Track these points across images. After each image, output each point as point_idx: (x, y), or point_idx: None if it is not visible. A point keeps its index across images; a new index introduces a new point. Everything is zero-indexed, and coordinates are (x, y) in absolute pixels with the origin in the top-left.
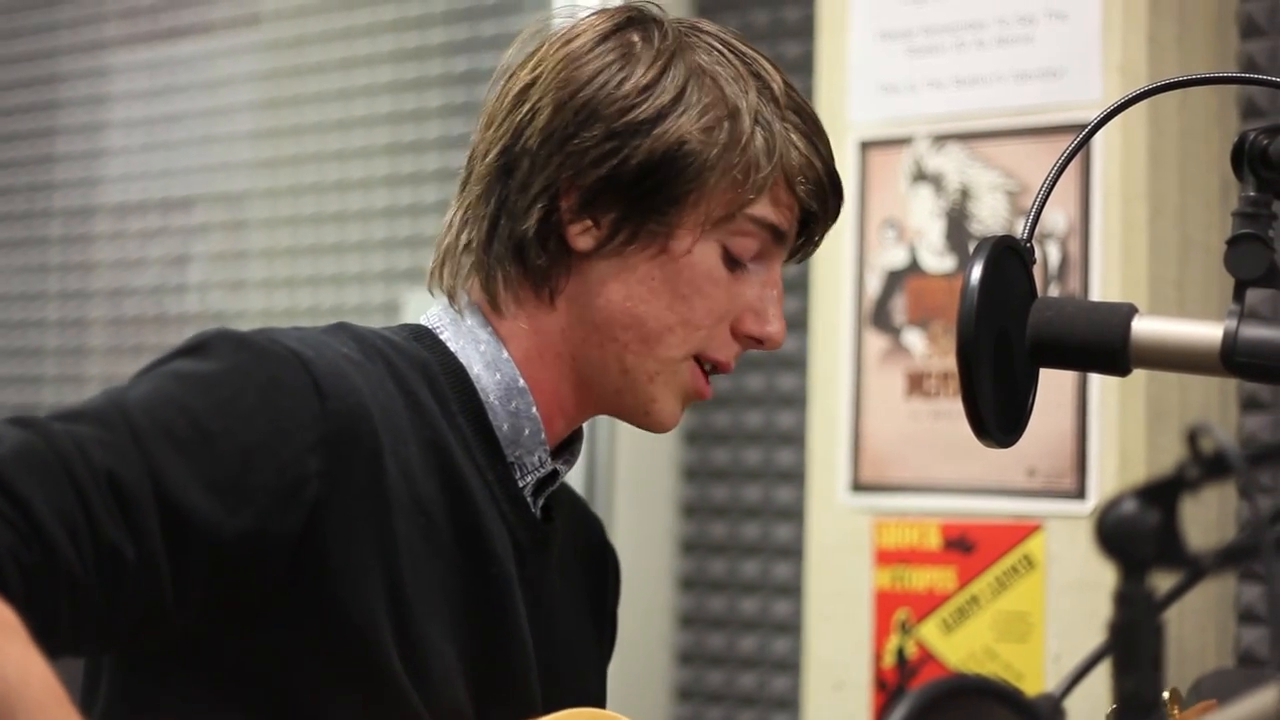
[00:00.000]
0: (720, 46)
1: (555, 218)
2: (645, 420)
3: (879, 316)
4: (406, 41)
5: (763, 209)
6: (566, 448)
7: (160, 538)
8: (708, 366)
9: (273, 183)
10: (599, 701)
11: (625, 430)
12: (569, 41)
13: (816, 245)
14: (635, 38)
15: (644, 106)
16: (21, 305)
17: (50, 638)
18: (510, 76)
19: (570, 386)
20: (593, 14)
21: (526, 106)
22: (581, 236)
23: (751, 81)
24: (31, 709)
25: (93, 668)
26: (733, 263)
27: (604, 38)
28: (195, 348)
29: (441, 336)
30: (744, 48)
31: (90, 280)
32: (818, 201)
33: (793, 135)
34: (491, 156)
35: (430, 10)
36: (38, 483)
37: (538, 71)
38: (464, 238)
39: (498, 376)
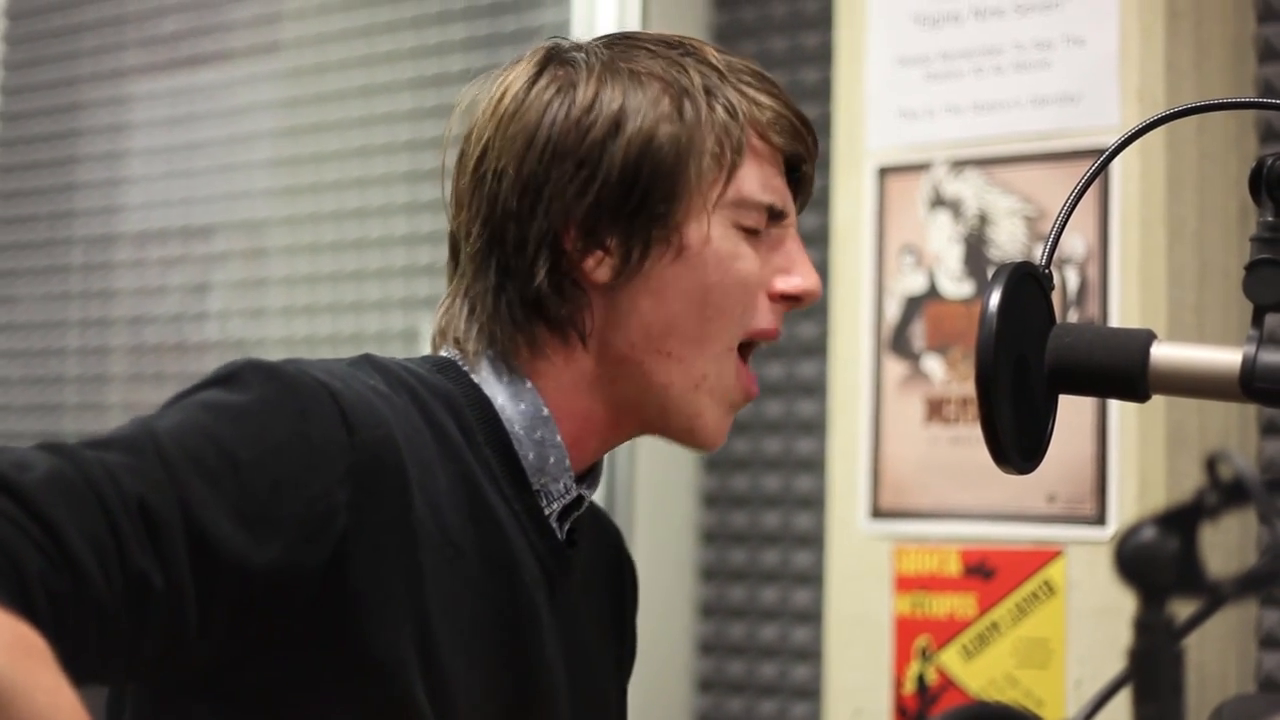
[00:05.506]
0: (645, 44)
1: (564, 263)
2: (691, 438)
3: (898, 342)
4: (426, 69)
5: (751, 187)
6: (589, 472)
7: (188, 567)
8: (749, 358)
9: (293, 210)
10: (620, 718)
11: (645, 457)
12: (502, 99)
13: (811, 188)
14: (561, 70)
15: (598, 122)
16: (42, 333)
17: (78, 664)
18: (461, 155)
19: (607, 410)
20: (512, 65)
21: (490, 174)
22: (598, 269)
23: (687, 60)
24: None
25: (116, 696)
26: (748, 232)
27: (533, 80)
28: (225, 378)
29: (464, 368)
30: (666, 37)
31: (111, 308)
32: (796, 142)
33: (746, 91)
34: (475, 233)
35: (449, 38)
36: (68, 509)
37: (485, 138)
38: (468, 315)
39: (522, 406)
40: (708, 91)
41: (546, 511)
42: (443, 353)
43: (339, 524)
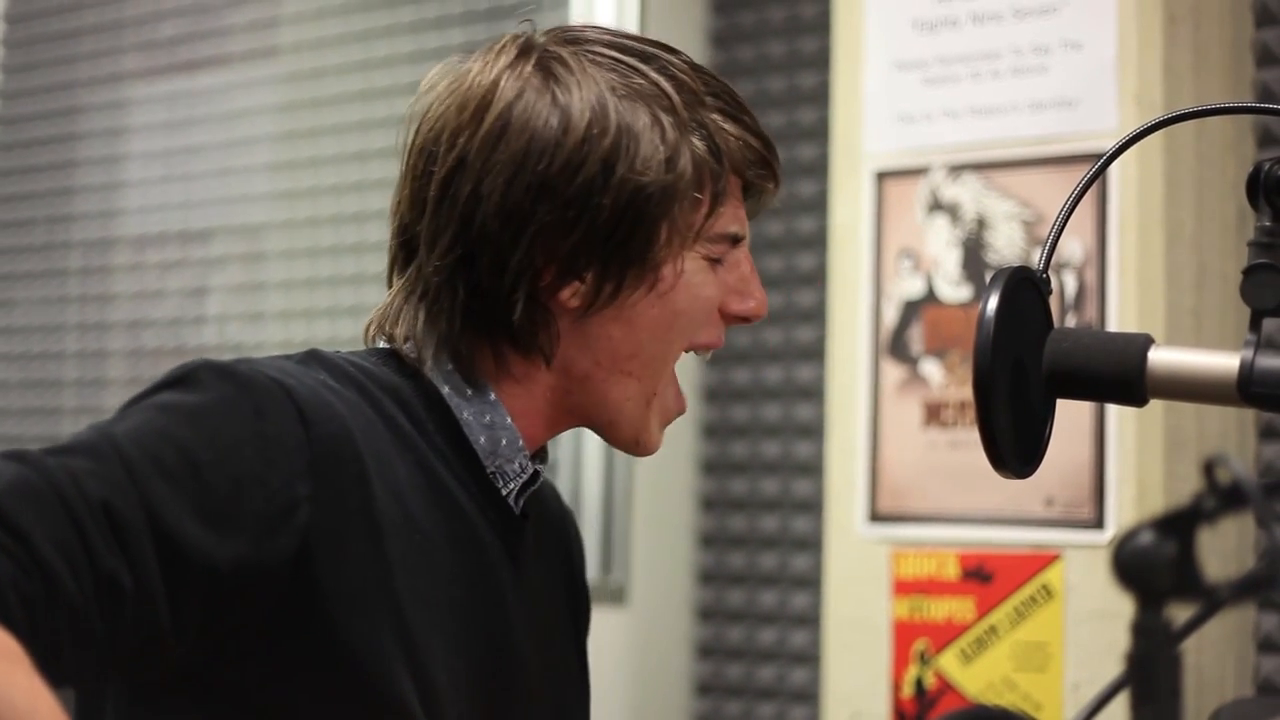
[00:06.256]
0: (619, 57)
1: (540, 293)
2: (635, 448)
3: (896, 346)
4: (424, 74)
5: (724, 223)
6: (537, 452)
7: (156, 567)
8: (697, 356)
9: (291, 214)
10: (582, 681)
11: (643, 461)
12: (483, 109)
13: (770, 203)
14: (538, 79)
15: (589, 161)
16: (40, 337)
17: (53, 668)
18: (427, 156)
19: (556, 414)
20: (485, 60)
21: (465, 191)
22: (572, 299)
23: (666, 84)
24: None
25: (94, 700)
26: (713, 261)
27: (518, 95)
28: (180, 379)
29: (410, 360)
30: (639, 46)
31: (109, 312)
32: (766, 176)
33: (724, 125)
34: (443, 246)
35: (447, 43)
36: (36, 516)
37: (461, 150)
38: (426, 325)
39: (469, 392)
40: (689, 127)
41: (504, 492)
42: (381, 344)
43: (302, 518)
